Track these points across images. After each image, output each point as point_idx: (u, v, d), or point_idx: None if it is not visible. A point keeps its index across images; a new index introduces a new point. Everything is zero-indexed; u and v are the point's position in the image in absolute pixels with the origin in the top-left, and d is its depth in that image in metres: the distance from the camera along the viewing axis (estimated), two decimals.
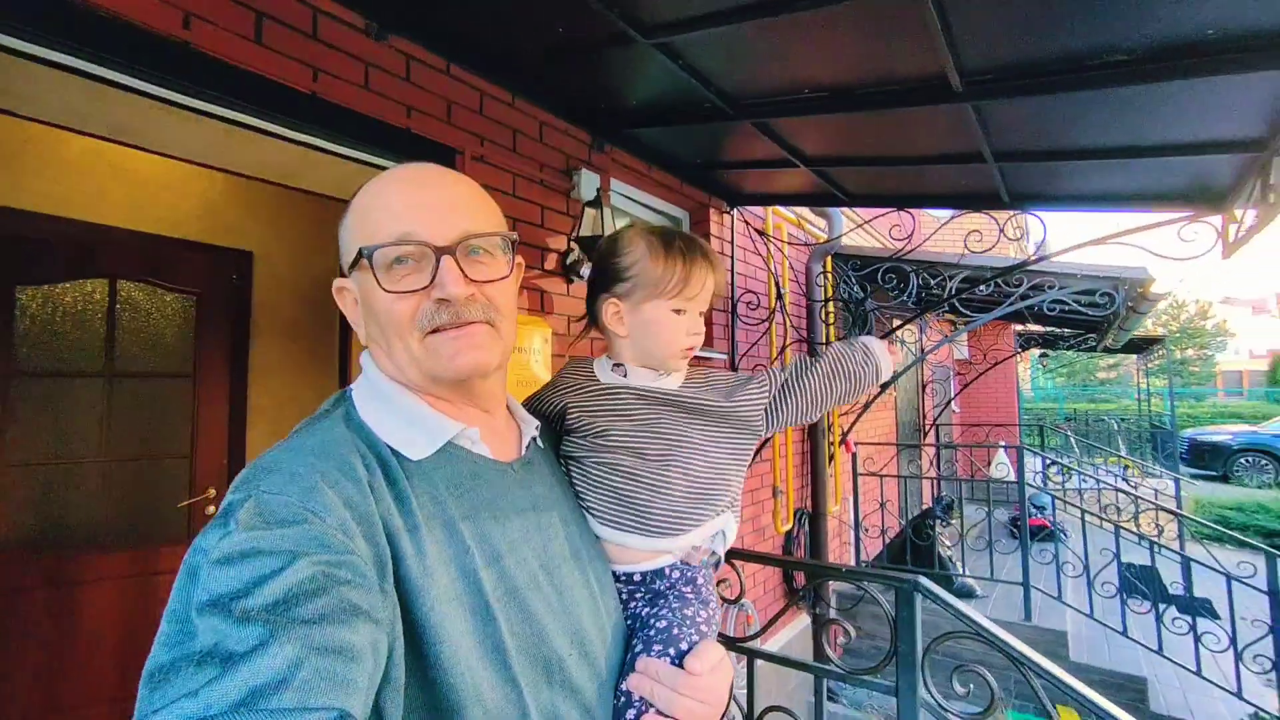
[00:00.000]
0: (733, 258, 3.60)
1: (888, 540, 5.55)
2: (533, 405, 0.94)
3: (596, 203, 2.40)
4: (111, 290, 2.58)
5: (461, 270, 0.66)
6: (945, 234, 3.84)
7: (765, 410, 0.92)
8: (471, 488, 0.68)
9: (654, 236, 0.89)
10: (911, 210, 3.02)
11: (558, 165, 2.47)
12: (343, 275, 0.71)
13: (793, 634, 4.12)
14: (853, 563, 5.06)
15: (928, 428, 8.15)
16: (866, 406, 4.68)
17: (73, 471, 2.49)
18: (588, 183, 2.51)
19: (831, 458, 4.63)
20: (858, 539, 5.00)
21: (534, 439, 0.82)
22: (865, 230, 5.01)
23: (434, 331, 0.66)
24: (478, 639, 0.60)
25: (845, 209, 3.96)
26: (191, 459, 2.73)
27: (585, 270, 2.47)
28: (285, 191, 2.32)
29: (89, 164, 2.54)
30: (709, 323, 3.41)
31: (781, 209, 4.03)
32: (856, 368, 0.96)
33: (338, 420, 0.66)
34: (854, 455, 4.97)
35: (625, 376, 0.91)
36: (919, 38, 1.54)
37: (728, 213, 3.58)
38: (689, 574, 0.87)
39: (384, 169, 1.97)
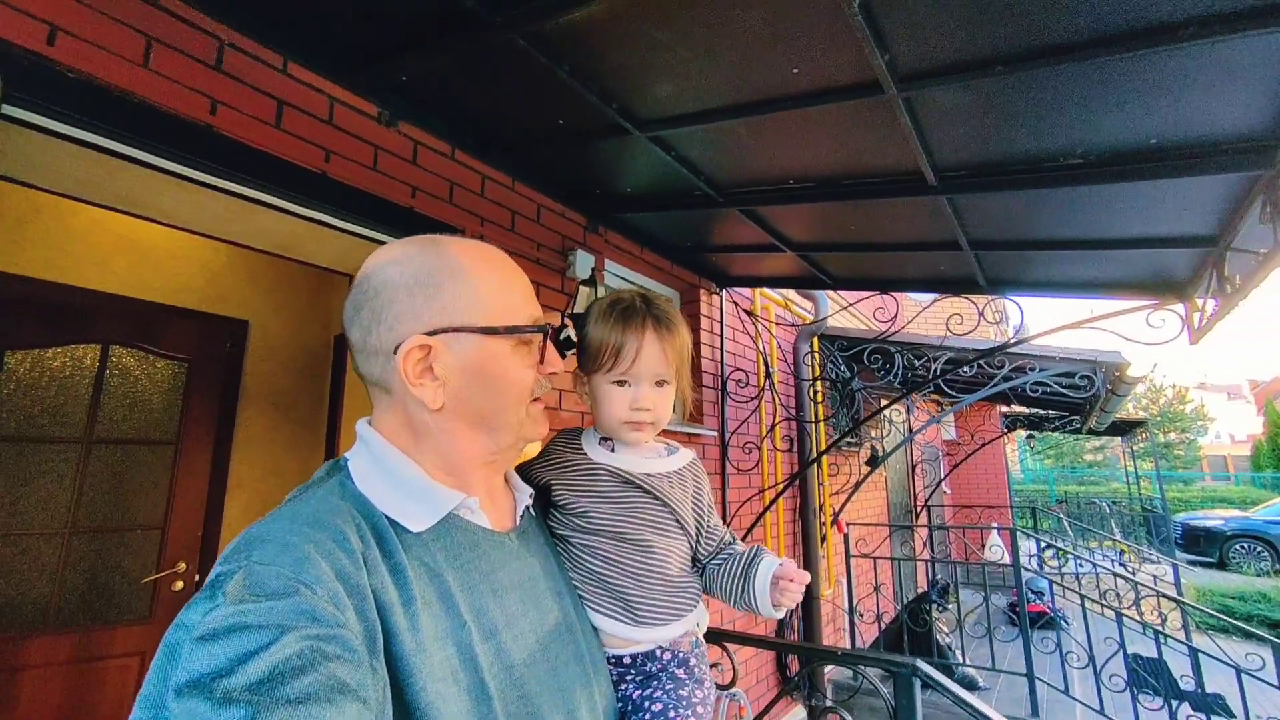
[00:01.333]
0: (722, 336, 3.68)
1: (883, 626, 5.36)
2: (522, 476, 0.94)
3: (591, 282, 2.49)
4: (103, 356, 2.58)
5: None
6: (928, 316, 3.98)
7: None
8: (470, 559, 0.68)
9: (605, 304, 0.89)
10: (894, 294, 3.14)
11: (554, 245, 2.57)
12: (421, 335, 0.68)
13: None
14: (849, 647, 4.86)
15: (919, 509, 8.06)
16: (858, 486, 4.65)
17: (30, 545, 2.38)
18: (583, 263, 2.60)
19: (824, 539, 4.54)
20: (852, 624, 4.83)
21: (528, 508, 0.82)
22: (850, 312, 5.17)
23: (532, 402, 0.76)
24: (472, 719, 0.58)
25: (831, 291, 4.10)
26: (164, 530, 2.63)
27: None
28: (284, 263, 2.38)
29: (95, 233, 2.61)
30: (698, 399, 3.44)
31: (769, 291, 4.16)
32: (735, 599, 0.90)
33: (333, 489, 0.65)
34: (846, 536, 4.88)
35: (613, 452, 0.89)
36: (896, 138, 1.67)
37: (717, 293, 3.69)
38: (681, 655, 0.85)
39: (383, 243, 2.02)
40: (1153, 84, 1.32)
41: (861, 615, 4.95)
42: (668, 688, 0.80)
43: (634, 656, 0.83)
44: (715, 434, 3.51)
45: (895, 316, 3.22)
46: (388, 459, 0.68)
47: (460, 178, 2.16)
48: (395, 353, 0.67)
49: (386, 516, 0.64)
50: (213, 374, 2.85)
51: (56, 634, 2.35)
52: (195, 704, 0.43)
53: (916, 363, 4.07)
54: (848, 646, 4.88)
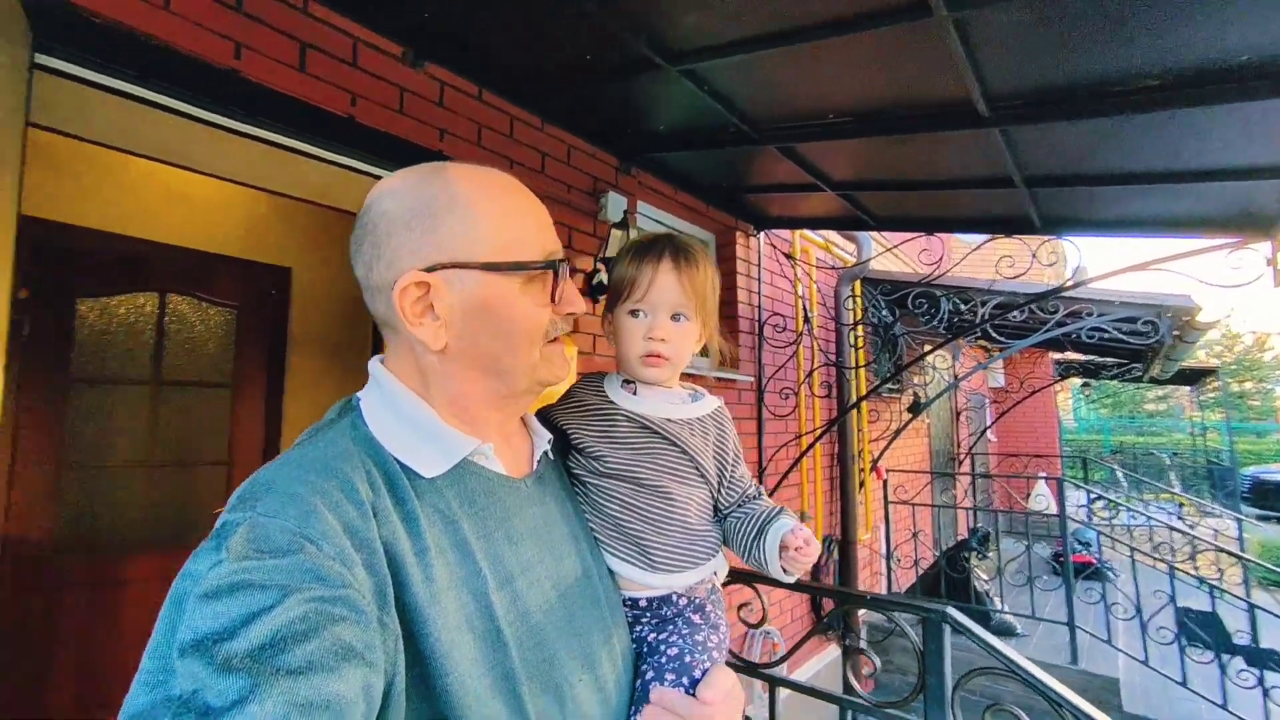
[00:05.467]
0: (760, 280, 3.60)
1: (921, 572, 5.38)
2: (542, 419, 0.93)
3: (623, 224, 2.44)
4: (161, 303, 2.73)
5: None
6: (977, 259, 3.76)
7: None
8: (485, 506, 0.66)
9: (630, 244, 0.89)
10: (941, 235, 2.98)
11: (585, 187, 2.52)
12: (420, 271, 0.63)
13: (821, 665, 4.00)
14: (884, 593, 4.91)
15: (962, 456, 7.91)
16: (898, 433, 4.58)
17: (120, 474, 2.61)
18: (615, 205, 2.55)
19: (862, 484, 4.53)
20: (889, 569, 4.85)
21: (545, 452, 0.80)
22: (894, 254, 4.96)
23: (547, 342, 0.71)
24: (487, 667, 0.57)
25: (874, 234, 3.93)
26: (229, 467, 2.83)
27: None
28: (323, 210, 2.42)
29: (144, 184, 2.70)
30: (734, 343, 3.40)
31: (809, 233, 4.02)
32: (747, 555, 0.89)
33: (343, 431, 0.63)
34: (885, 482, 4.85)
35: (635, 394, 0.87)
36: (944, 64, 1.54)
37: (754, 236, 3.58)
38: (697, 601, 0.85)
39: None
40: None
41: (899, 560, 4.97)
42: (683, 632, 0.80)
43: (650, 600, 0.83)
44: (752, 379, 3.48)
45: (941, 259, 3.07)
46: (399, 400, 0.66)
47: (488, 120, 2.12)
48: (393, 290, 0.62)
49: (398, 461, 0.62)
50: (260, 320, 2.98)
51: (150, 554, 2.61)
52: (197, 666, 0.42)
53: (963, 307, 3.90)
54: (883, 591, 4.94)
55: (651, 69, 1.76)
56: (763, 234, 3.61)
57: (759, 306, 3.58)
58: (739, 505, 0.90)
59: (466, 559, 0.61)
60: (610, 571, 0.82)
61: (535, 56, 1.89)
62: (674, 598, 0.83)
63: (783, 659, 1.63)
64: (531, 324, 0.68)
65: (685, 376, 0.94)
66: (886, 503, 4.85)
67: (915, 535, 5.17)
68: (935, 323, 3.91)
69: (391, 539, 0.55)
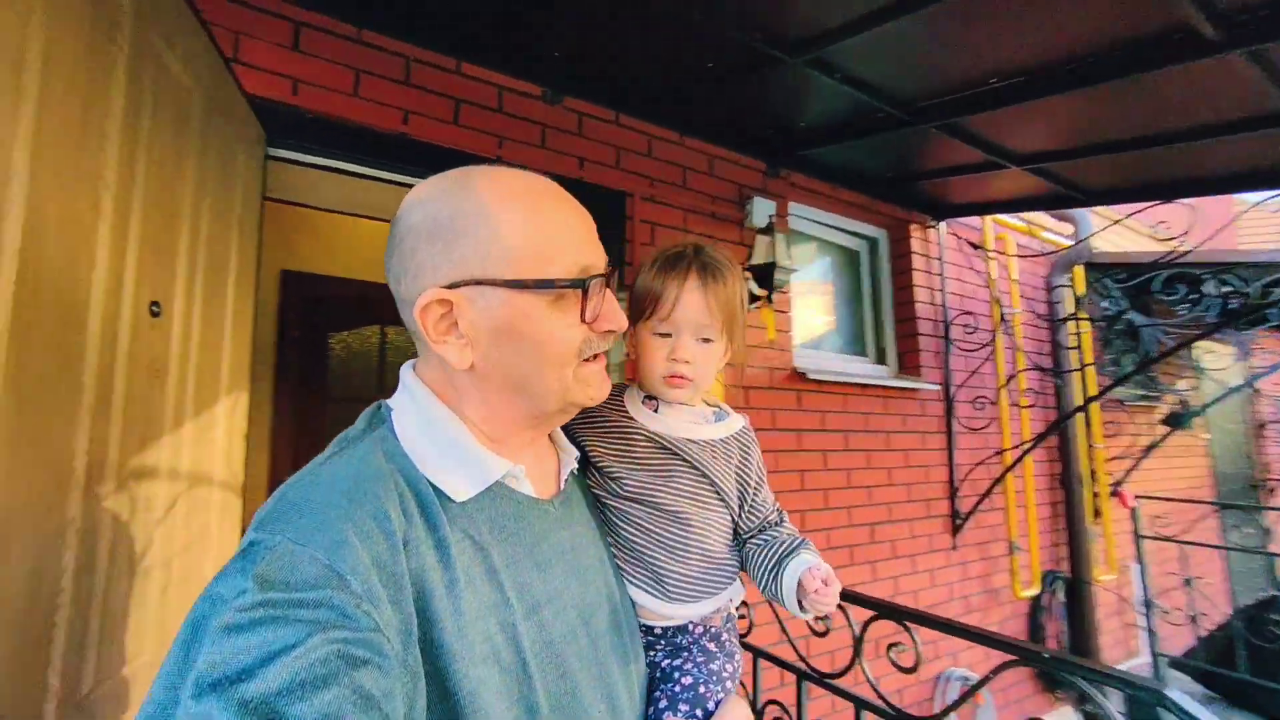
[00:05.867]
0: (943, 276, 3.19)
1: (1204, 632, 4.23)
2: (565, 433, 0.87)
3: (769, 230, 2.36)
4: (382, 334, 3.30)
5: None
6: (1248, 225, 2.87)
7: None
8: (514, 531, 0.64)
9: (656, 254, 0.84)
10: (1187, 200, 2.36)
11: (730, 196, 2.49)
12: (443, 288, 0.61)
13: None
14: (1145, 654, 3.94)
15: (1271, 483, 6.06)
16: (1148, 451, 3.70)
17: None
18: (760, 210, 2.47)
19: (1098, 512, 3.73)
20: (1150, 622, 3.90)
21: (572, 470, 0.77)
22: (1125, 226, 4.03)
23: (582, 362, 0.66)
24: (511, 701, 0.56)
25: (1096, 209, 3.25)
26: None
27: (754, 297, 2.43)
28: None
29: (369, 237, 3.32)
30: (912, 348, 3.06)
31: (1005, 217, 3.47)
32: (764, 588, 0.82)
33: (374, 446, 0.60)
34: (1134, 511, 3.93)
35: (656, 412, 0.83)
36: None
37: (932, 227, 3.20)
38: (713, 630, 0.82)
39: None
40: None
41: (1166, 612, 3.97)
42: (698, 660, 0.78)
43: (665, 628, 0.80)
44: (938, 388, 3.09)
45: (1197, 230, 2.42)
46: (432, 414, 0.64)
47: (626, 141, 2.21)
48: (413, 307, 0.60)
49: (430, 482, 0.60)
50: None
51: None
52: (212, 708, 0.40)
53: (1244, 287, 3.01)
54: (1144, 652, 3.97)
55: (774, 64, 1.69)
56: (944, 224, 3.21)
57: (943, 305, 3.17)
58: (759, 531, 0.85)
59: (495, 588, 0.59)
60: (629, 598, 0.79)
61: (661, 73, 1.93)
62: (689, 626, 0.80)
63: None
64: (562, 344, 0.63)
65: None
66: (1138, 537, 3.92)
67: (1189, 583, 4.09)
68: (1198, 310, 3.10)
69: (421, 571, 0.54)
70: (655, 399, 0.84)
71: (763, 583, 0.81)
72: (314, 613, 0.45)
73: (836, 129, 2.21)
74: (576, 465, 0.78)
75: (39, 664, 0.72)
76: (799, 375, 2.55)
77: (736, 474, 0.83)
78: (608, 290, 0.67)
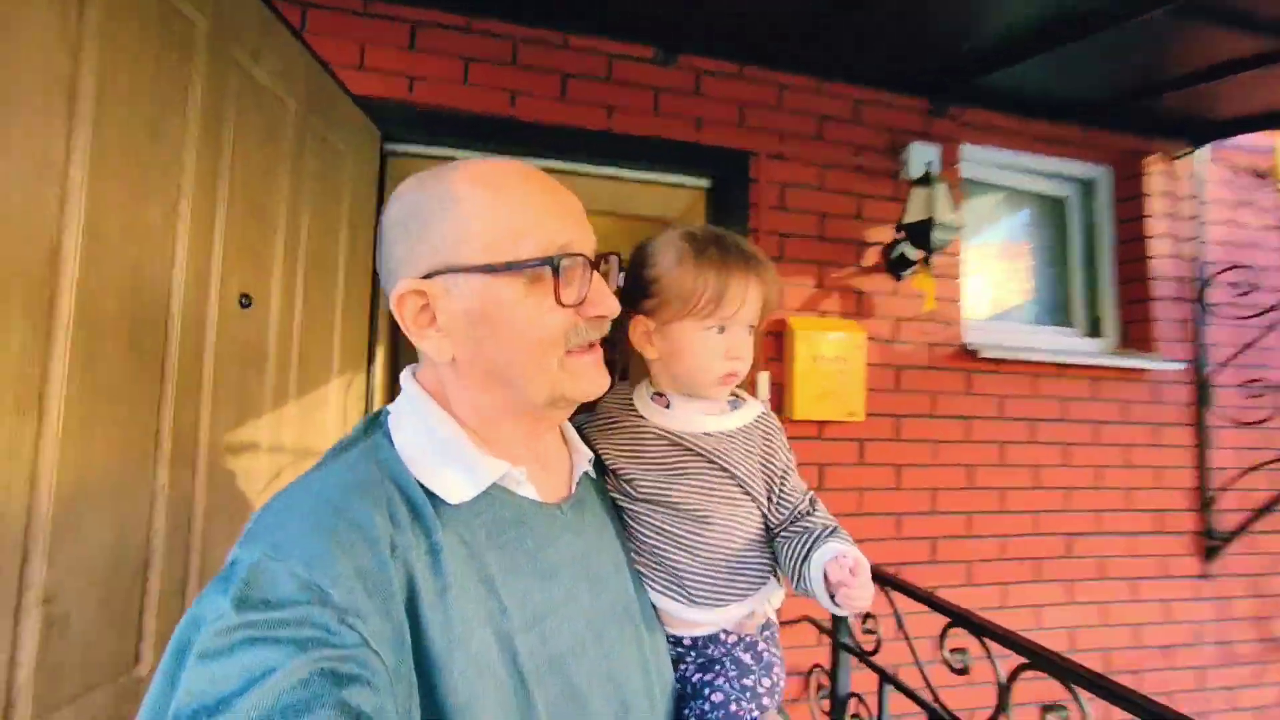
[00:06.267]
0: (1200, 221, 2.42)
1: None
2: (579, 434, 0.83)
3: (927, 180, 1.98)
4: None
5: None
6: None
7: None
8: (515, 537, 0.60)
9: (685, 242, 0.76)
10: None
11: (879, 145, 2.14)
12: (416, 278, 0.59)
13: None
14: None
15: None
16: None
17: None
18: (918, 158, 2.09)
19: None
20: None
21: (586, 472, 0.73)
22: None
23: (569, 352, 0.62)
24: (507, 715, 0.53)
25: None
26: None
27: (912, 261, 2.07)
28: (621, 220, 2.67)
29: None
30: (1143, 316, 2.38)
31: None
32: (795, 583, 0.74)
33: (367, 454, 0.59)
34: None
35: (668, 408, 0.78)
36: None
37: (1182, 156, 2.43)
38: (748, 639, 0.75)
39: (678, 185, 2.02)
40: None
41: None
42: (730, 674, 0.71)
43: (695, 638, 0.74)
44: (1182, 367, 2.37)
45: None
46: (427, 415, 0.62)
47: (751, 96, 2.01)
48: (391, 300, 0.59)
49: (423, 486, 0.57)
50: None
51: None
52: None
53: None
54: None
55: None
56: (1204, 149, 2.42)
57: (1198, 259, 2.41)
58: (790, 523, 0.78)
59: (491, 596, 0.56)
60: (653, 605, 0.74)
61: (793, 8, 1.69)
62: (721, 635, 0.74)
63: None
64: (540, 330, 0.59)
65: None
66: None
67: None
68: None
69: (411, 579, 0.51)
70: (664, 395, 0.79)
71: (795, 578, 0.74)
72: (295, 631, 0.43)
73: (1028, 39, 1.75)
74: (591, 467, 0.74)
75: (134, 609, 0.86)
76: (968, 353, 2.13)
77: (762, 463, 0.77)
78: (596, 273, 0.62)
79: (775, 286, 0.77)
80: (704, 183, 2.01)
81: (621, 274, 0.80)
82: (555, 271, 0.58)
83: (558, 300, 0.59)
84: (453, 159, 1.71)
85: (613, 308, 0.64)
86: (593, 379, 0.64)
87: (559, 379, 0.61)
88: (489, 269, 0.57)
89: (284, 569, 0.46)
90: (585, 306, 0.61)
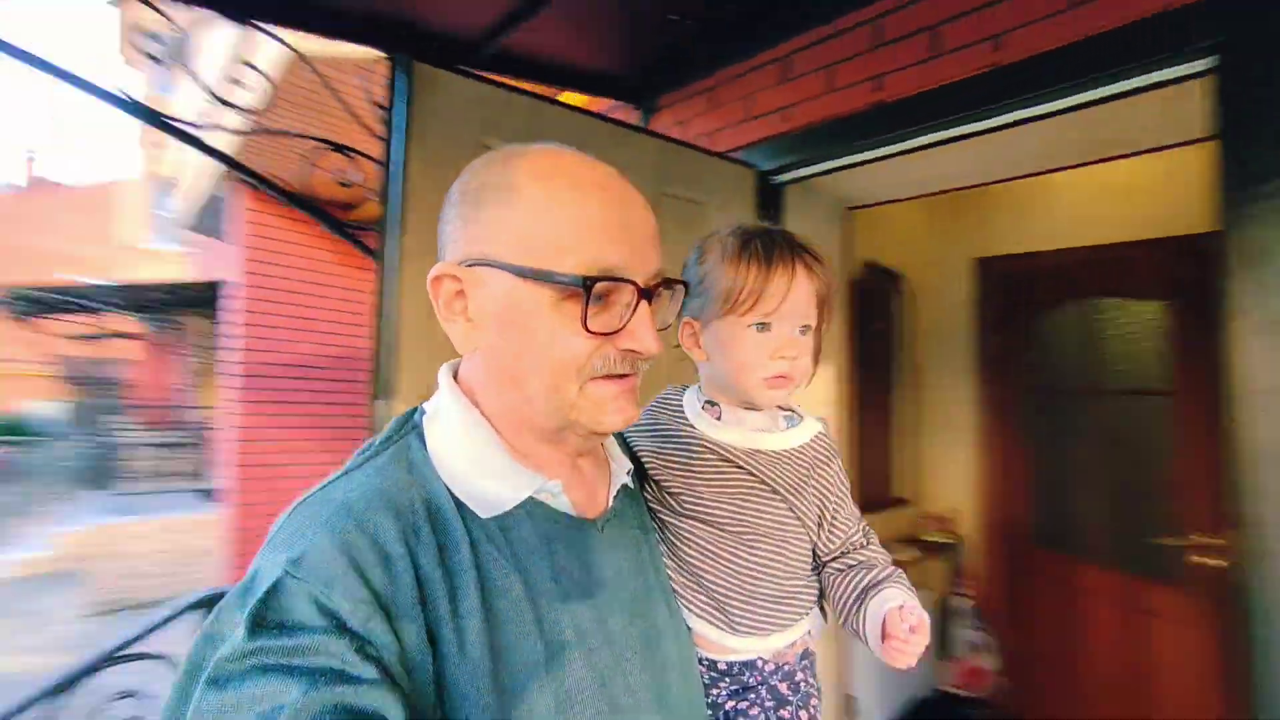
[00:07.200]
0: None
1: None
2: (620, 441, 0.76)
3: None
4: (1085, 308, 2.70)
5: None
6: None
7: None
8: (549, 554, 0.57)
9: (731, 237, 0.73)
10: None
11: None
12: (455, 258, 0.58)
13: None
14: None
15: None
16: None
17: (1079, 482, 2.71)
18: None
19: None
20: None
21: (625, 484, 0.68)
22: None
23: (592, 379, 0.57)
24: None
25: None
26: (1171, 491, 2.34)
27: None
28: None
29: (1047, 201, 2.80)
30: None
31: None
32: (844, 622, 0.72)
33: (400, 455, 0.57)
34: None
35: (719, 419, 0.74)
36: None
37: None
38: (786, 669, 0.72)
39: (1192, 74, 1.38)
40: None
41: None
42: (767, 705, 0.69)
43: (729, 664, 0.71)
44: None
45: None
46: (462, 417, 0.59)
47: None
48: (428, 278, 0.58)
49: (455, 497, 0.55)
50: (1197, 308, 2.29)
51: (1102, 569, 2.55)
52: None
53: None
54: None
55: None
56: None
57: None
58: (842, 554, 0.75)
59: (520, 619, 0.53)
60: (687, 627, 0.71)
61: None
62: (759, 663, 0.72)
63: None
64: (559, 351, 0.55)
65: None
66: None
67: None
68: None
69: (432, 598, 0.50)
70: (716, 404, 0.76)
71: (843, 615, 0.73)
72: (309, 659, 0.42)
73: None
74: (630, 478, 0.70)
75: None
76: None
77: (815, 488, 0.73)
78: (645, 305, 0.57)
79: (827, 280, 0.71)
80: (1198, 65, 1.21)
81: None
82: (588, 294, 0.53)
83: (584, 326, 0.54)
84: (824, 172, 1.72)
85: (649, 347, 0.57)
86: (612, 411, 0.58)
87: (576, 404, 0.56)
88: (519, 271, 0.54)
89: (303, 589, 0.45)
90: (620, 337, 0.56)
